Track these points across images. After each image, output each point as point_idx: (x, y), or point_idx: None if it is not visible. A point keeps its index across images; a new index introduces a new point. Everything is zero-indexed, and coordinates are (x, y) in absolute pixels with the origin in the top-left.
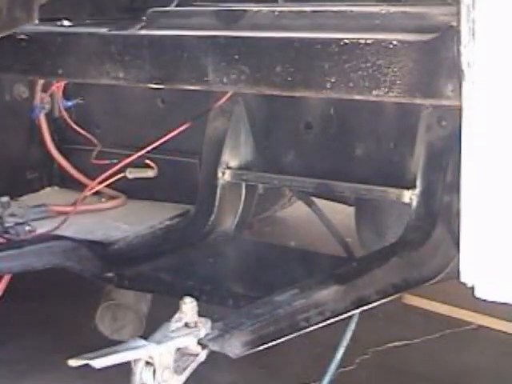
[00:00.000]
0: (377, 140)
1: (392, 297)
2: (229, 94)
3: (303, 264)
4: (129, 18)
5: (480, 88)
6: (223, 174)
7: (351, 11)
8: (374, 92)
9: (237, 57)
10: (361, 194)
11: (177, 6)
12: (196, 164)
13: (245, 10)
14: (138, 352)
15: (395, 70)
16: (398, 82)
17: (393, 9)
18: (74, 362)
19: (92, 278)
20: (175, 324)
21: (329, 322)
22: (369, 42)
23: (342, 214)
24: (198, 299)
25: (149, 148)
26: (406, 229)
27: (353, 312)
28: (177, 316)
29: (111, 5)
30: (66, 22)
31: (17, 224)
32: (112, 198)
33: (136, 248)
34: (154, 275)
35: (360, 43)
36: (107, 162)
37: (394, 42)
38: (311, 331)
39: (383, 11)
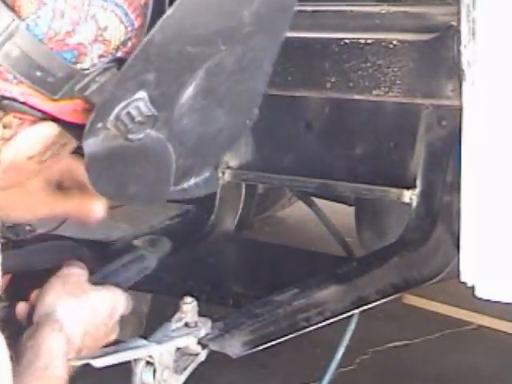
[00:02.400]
0: (377, 140)
1: (392, 297)
2: None
3: (303, 264)
4: None
5: (480, 88)
6: (223, 173)
7: (351, 11)
8: (374, 92)
9: None
10: (361, 193)
11: None
12: None
13: None
14: (138, 352)
15: (395, 69)
16: (398, 81)
17: (393, 9)
18: (74, 362)
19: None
20: (175, 324)
21: (329, 321)
22: (369, 41)
23: (341, 214)
24: (198, 299)
25: None
26: (406, 229)
27: (353, 312)
28: (177, 316)
29: None
30: None
31: (17, 224)
32: None
33: None
34: (154, 275)
35: (360, 43)
36: None
37: (394, 42)
38: (311, 331)
39: (383, 11)
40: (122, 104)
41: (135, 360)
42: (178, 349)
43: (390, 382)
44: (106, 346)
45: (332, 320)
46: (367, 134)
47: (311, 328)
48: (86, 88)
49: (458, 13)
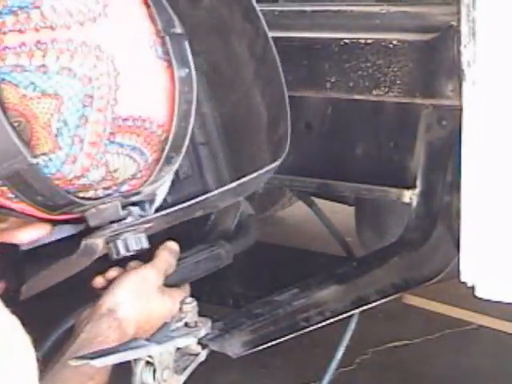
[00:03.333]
0: (377, 140)
1: (392, 297)
2: None
3: (303, 264)
4: None
5: (480, 88)
6: None
7: (351, 11)
8: (374, 92)
9: None
10: (361, 193)
11: None
12: None
13: None
14: (138, 352)
15: (395, 69)
16: (397, 81)
17: (393, 9)
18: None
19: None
20: (175, 324)
21: (329, 321)
22: (369, 41)
23: (341, 214)
24: (198, 299)
25: None
26: (406, 229)
27: (353, 312)
28: (177, 316)
29: None
30: None
31: None
32: None
33: None
34: None
35: (360, 43)
36: None
37: (394, 42)
38: (311, 331)
39: (383, 11)
40: (116, 231)
41: (135, 360)
42: (178, 349)
43: (390, 382)
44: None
45: (332, 320)
46: (367, 134)
47: (311, 328)
48: (85, 210)
49: (458, 13)
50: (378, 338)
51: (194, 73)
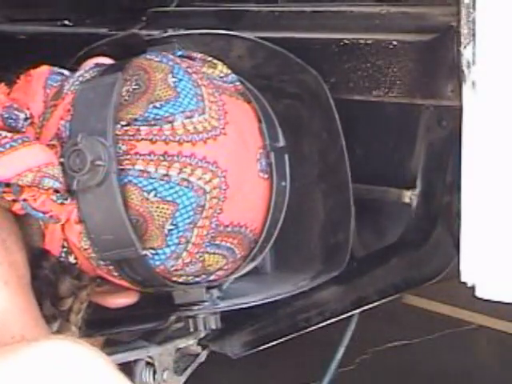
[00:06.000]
0: (377, 140)
1: (392, 297)
2: None
3: None
4: (129, 18)
5: (480, 88)
6: None
7: (351, 11)
8: (374, 92)
9: None
10: (361, 193)
11: (177, 6)
12: None
13: (245, 10)
14: (138, 352)
15: (395, 70)
16: (397, 82)
17: (393, 9)
18: None
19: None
20: (175, 324)
21: (329, 321)
22: (369, 42)
23: None
24: None
25: None
26: (406, 229)
27: (353, 312)
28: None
29: (112, 5)
30: (66, 22)
31: None
32: None
33: None
34: None
35: (360, 43)
36: None
37: (394, 42)
38: (311, 331)
39: (383, 11)
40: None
41: (135, 360)
42: (178, 349)
43: (390, 382)
44: (107, 347)
45: (332, 320)
46: (367, 134)
47: (311, 328)
48: (173, 290)
49: (458, 13)
50: (378, 338)
51: (288, 185)
